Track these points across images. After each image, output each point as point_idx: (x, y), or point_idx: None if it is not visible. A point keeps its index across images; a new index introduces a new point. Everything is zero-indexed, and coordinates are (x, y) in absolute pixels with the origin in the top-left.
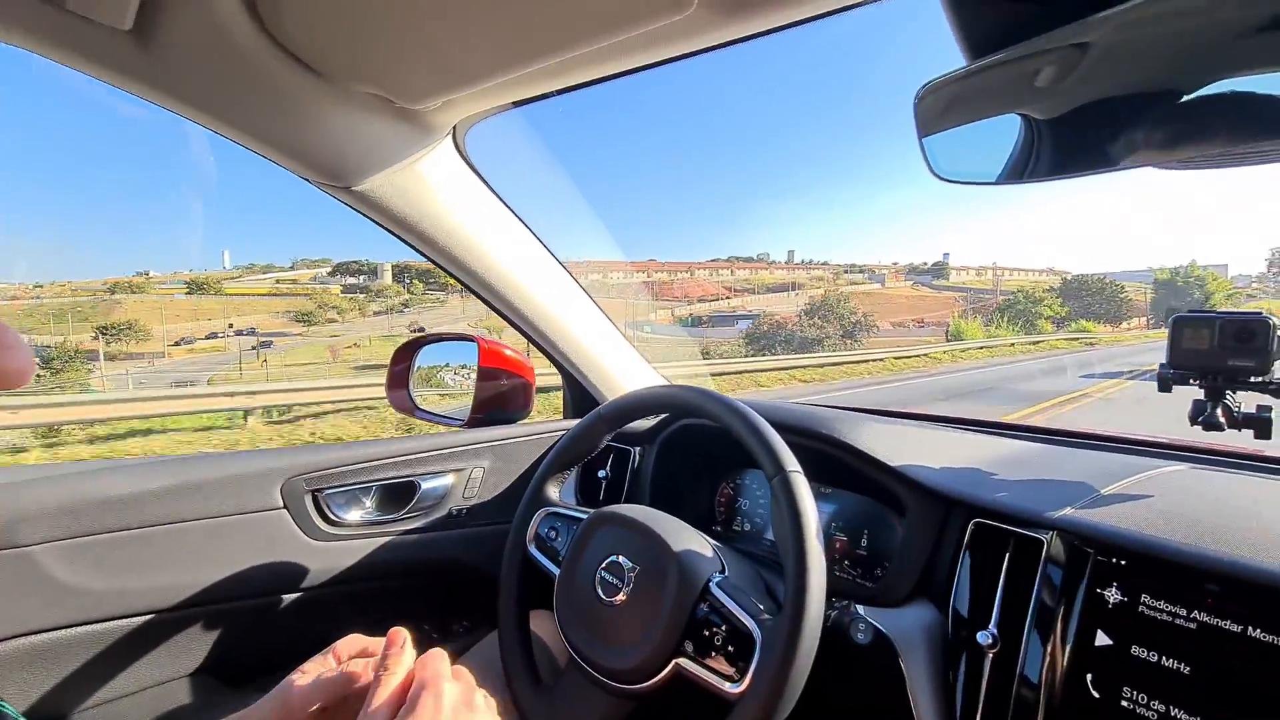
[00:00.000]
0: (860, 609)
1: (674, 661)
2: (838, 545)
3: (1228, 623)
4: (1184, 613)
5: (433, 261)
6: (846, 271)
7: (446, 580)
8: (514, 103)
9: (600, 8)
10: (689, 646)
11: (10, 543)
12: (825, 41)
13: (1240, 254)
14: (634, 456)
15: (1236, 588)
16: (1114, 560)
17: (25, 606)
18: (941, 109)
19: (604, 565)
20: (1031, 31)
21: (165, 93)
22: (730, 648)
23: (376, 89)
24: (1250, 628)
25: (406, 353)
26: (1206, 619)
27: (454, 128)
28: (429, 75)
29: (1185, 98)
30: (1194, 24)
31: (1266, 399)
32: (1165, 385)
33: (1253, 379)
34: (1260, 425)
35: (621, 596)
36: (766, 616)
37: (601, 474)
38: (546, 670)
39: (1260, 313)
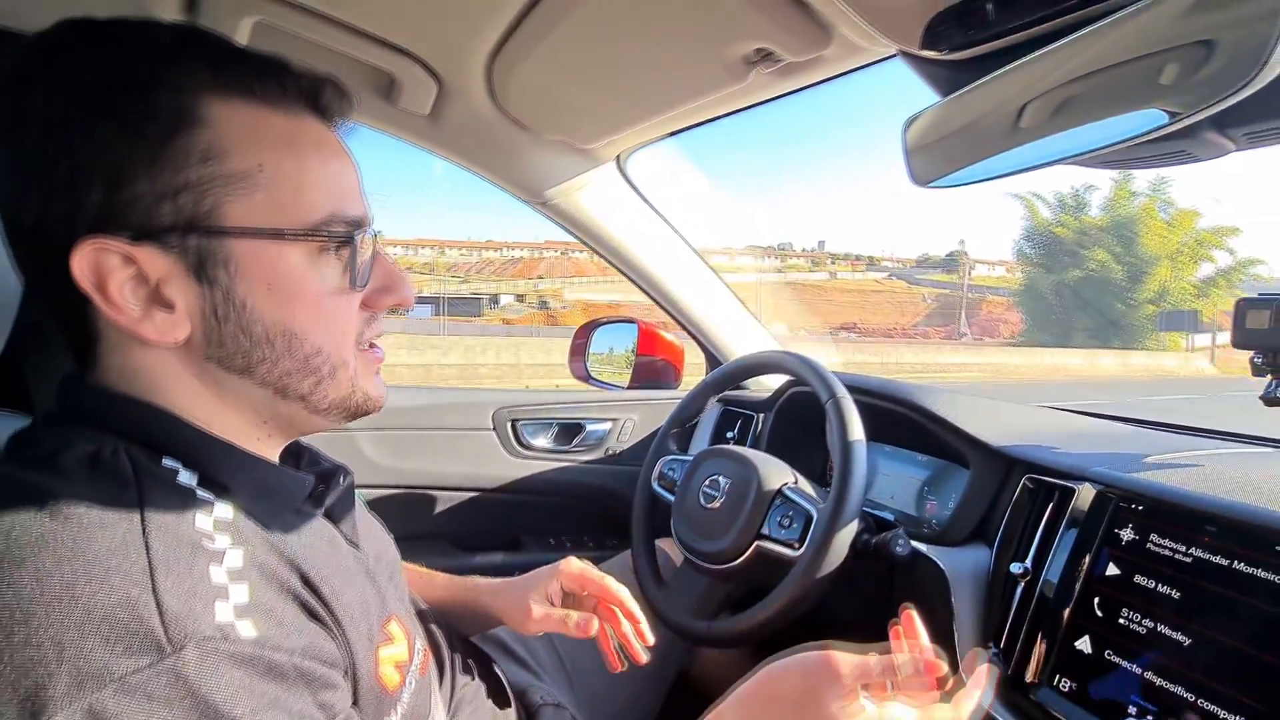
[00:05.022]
0: (901, 532)
1: (755, 544)
2: (929, 507)
3: (1218, 557)
4: (1183, 549)
5: (603, 257)
6: (831, 260)
7: (601, 504)
8: (671, 133)
9: (683, 83)
10: (767, 530)
11: (345, 427)
12: None
13: None
14: (755, 422)
15: (1230, 528)
16: (1132, 505)
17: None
18: (925, 135)
19: (706, 483)
20: (983, 71)
21: (442, 148)
22: (796, 527)
23: (563, 136)
24: (1236, 561)
25: (585, 331)
26: (1201, 554)
27: (618, 156)
28: (595, 125)
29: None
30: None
31: None
32: (1258, 370)
33: None
34: None
35: (717, 503)
36: (823, 505)
37: (729, 435)
38: (667, 574)
39: None
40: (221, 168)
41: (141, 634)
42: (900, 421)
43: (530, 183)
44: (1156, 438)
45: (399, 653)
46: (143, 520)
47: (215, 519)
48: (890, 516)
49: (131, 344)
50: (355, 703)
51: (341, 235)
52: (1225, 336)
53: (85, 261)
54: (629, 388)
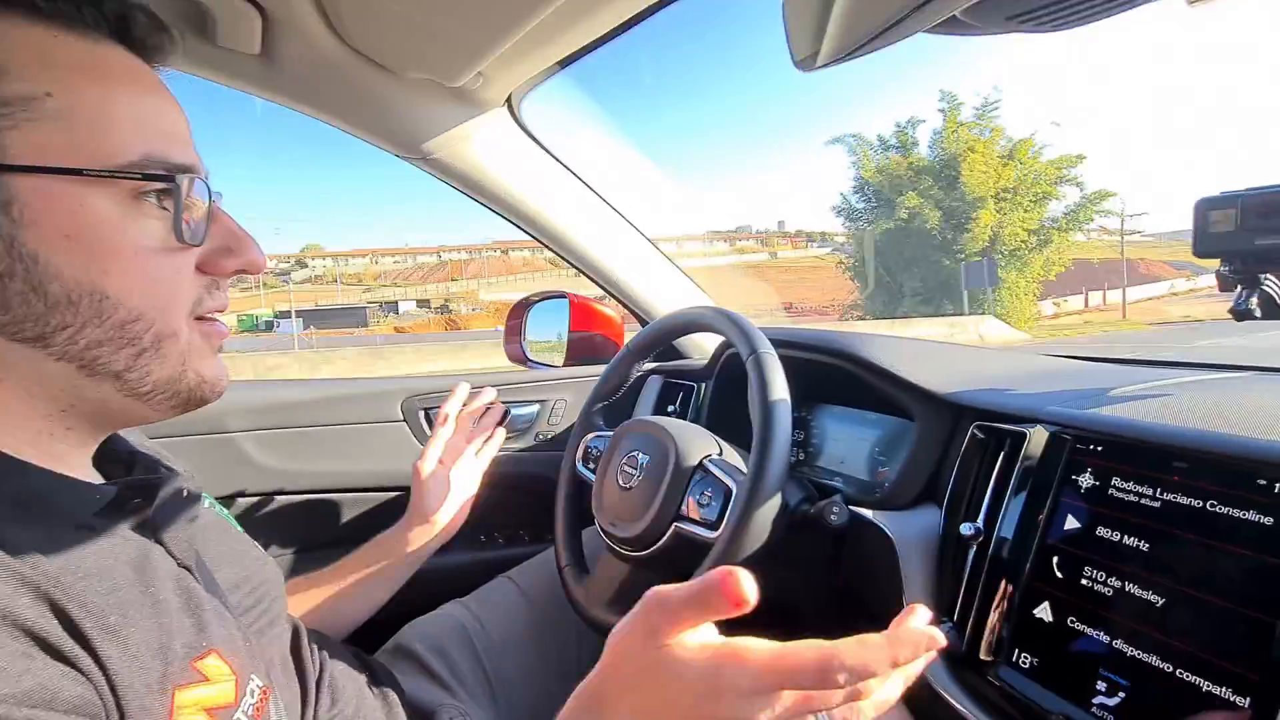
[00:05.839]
0: (838, 498)
1: (674, 525)
2: (880, 471)
3: (1191, 499)
4: (1150, 493)
5: (503, 217)
6: (781, 239)
7: (535, 493)
8: (559, 64)
9: None
10: (685, 510)
11: (222, 429)
12: None
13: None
14: (696, 392)
15: (1203, 463)
16: (1090, 446)
17: (230, 475)
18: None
19: (625, 461)
20: None
21: (285, 96)
22: (715, 505)
23: (427, 73)
24: (1210, 503)
25: (519, 310)
26: (1170, 497)
27: (509, 100)
28: (456, 53)
29: None
30: None
31: None
32: (1226, 282)
33: None
34: None
35: (634, 482)
36: (743, 478)
37: (671, 409)
38: (594, 565)
39: None
40: None
41: None
42: (845, 378)
43: (404, 135)
44: (1121, 372)
45: (213, 695)
46: None
47: None
48: (841, 484)
49: None
50: None
51: (159, 179)
52: (1147, 289)
53: None
54: (566, 364)
